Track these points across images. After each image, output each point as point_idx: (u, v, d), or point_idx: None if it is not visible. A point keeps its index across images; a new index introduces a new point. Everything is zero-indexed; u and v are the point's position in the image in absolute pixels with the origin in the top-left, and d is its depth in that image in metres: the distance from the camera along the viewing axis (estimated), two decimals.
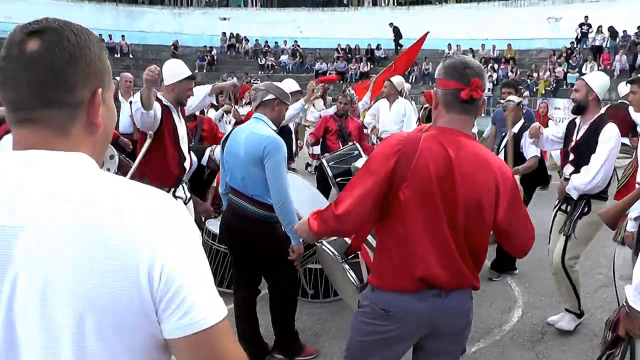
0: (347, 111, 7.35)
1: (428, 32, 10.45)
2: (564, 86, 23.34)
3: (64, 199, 1.02)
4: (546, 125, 5.52)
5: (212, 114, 8.51)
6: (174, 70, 4.36)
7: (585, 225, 4.35)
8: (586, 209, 4.33)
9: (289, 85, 6.10)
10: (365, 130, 8.02)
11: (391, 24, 29.56)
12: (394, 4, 31.96)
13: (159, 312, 1.05)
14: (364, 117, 10.56)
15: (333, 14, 31.90)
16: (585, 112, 4.39)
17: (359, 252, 3.19)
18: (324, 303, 5.03)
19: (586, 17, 25.58)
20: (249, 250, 3.80)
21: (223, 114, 8.88)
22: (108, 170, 5.47)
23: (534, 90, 23.53)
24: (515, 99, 5.87)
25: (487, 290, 5.31)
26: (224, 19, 32.44)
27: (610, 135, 4.21)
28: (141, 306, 1.03)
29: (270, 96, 3.74)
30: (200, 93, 4.95)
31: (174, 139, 4.37)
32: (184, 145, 4.50)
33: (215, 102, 8.83)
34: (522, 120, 5.80)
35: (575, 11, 26.41)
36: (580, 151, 4.33)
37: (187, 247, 1.08)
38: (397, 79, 7.79)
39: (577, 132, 4.45)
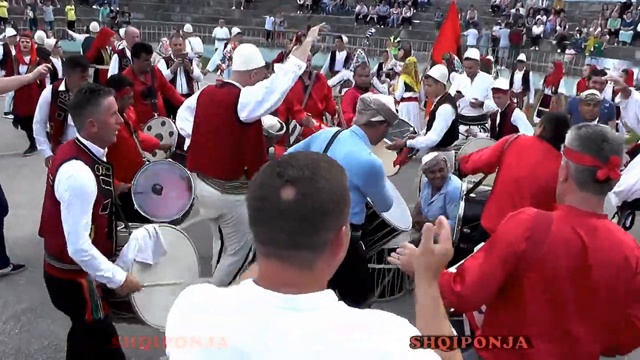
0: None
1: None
2: (615, 44, 22.21)
3: (323, 338, 1.11)
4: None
5: None
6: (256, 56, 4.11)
7: None
8: None
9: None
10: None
11: None
12: None
13: None
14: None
15: None
16: None
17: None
18: None
19: None
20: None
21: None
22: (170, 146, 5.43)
23: (582, 46, 22.36)
24: (598, 94, 5.60)
25: None
26: None
27: None
28: None
29: (379, 118, 3.46)
30: None
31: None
32: None
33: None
34: (596, 119, 5.48)
35: None
36: None
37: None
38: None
39: None
